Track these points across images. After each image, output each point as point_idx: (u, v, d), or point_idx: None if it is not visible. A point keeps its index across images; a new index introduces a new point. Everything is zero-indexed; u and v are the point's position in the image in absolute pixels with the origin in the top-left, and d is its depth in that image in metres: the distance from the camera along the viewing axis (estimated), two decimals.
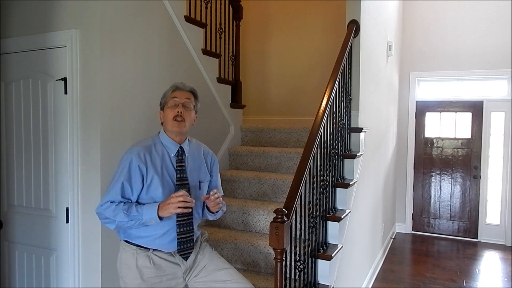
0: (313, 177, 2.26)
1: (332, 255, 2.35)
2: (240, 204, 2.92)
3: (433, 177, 5.46)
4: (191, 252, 1.85)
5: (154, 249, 1.78)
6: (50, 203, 2.32)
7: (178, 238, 1.80)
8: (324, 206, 2.47)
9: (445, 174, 5.39)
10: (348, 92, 2.89)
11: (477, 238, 5.23)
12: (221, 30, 3.50)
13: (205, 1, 3.27)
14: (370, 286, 3.69)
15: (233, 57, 3.71)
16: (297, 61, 4.65)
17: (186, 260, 1.84)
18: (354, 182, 2.83)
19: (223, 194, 2.13)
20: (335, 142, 2.63)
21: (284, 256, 1.77)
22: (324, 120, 2.37)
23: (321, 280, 2.36)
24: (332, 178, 2.59)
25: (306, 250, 2.21)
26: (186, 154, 1.87)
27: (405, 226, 5.57)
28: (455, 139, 5.33)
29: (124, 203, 1.72)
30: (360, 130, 2.93)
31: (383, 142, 4.24)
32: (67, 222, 2.24)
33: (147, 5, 2.49)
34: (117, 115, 2.25)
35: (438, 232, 5.44)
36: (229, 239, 2.68)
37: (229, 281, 1.86)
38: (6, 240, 2.51)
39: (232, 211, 2.91)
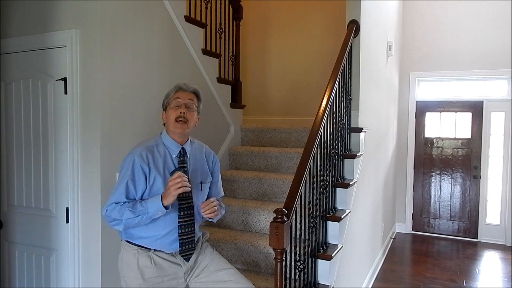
0: (313, 177, 2.26)
1: (332, 255, 2.35)
2: (240, 204, 2.92)
3: (433, 177, 5.46)
4: (192, 253, 1.85)
5: (155, 250, 1.78)
6: (50, 203, 2.32)
7: (180, 239, 1.79)
8: (324, 206, 2.47)
9: (445, 174, 5.39)
10: (348, 92, 2.89)
11: (477, 238, 5.24)
12: (221, 30, 3.50)
13: (205, 1, 3.27)
14: (370, 286, 3.69)
15: (233, 57, 3.71)
16: (297, 61, 4.65)
17: (187, 262, 1.84)
18: (354, 182, 2.83)
19: (223, 194, 2.13)
20: (335, 142, 2.63)
21: (284, 256, 1.77)
22: (324, 120, 2.37)
23: (321, 280, 2.36)
24: (332, 178, 2.59)
25: (306, 250, 2.21)
26: (188, 155, 1.87)
27: (405, 226, 5.57)
28: (455, 139, 5.33)
29: (129, 202, 1.72)
30: (360, 130, 2.93)
31: (383, 142, 4.24)
32: (67, 222, 2.24)
33: (147, 5, 2.49)
34: (117, 115, 2.25)
35: (438, 232, 5.44)
36: (229, 239, 2.68)
37: (230, 282, 1.86)
38: (6, 240, 2.51)
39: (232, 211, 2.91)
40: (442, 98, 5.38)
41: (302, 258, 2.16)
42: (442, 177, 5.41)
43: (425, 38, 5.34)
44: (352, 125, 2.94)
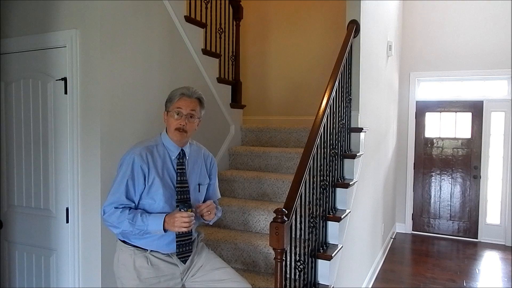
0: (313, 177, 2.26)
1: (332, 255, 2.35)
2: (240, 204, 2.92)
3: (433, 177, 5.46)
4: (189, 255, 1.85)
5: (151, 250, 1.78)
6: (50, 203, 2.32)
7: (177, 241, 1.80)
8: (324, 206, 2.47)
9: (445, 174, 5.39)
10: (348, 92, 2.89)
11: (477, 238, 5.23)
12: (221, 30, 3.50)
13: (205, 1, 3.27)
14: (370, 286, 3.69)
15: (233, 57, 3.71)
16: (297, 61, 4.65)
17: (184, 264, 1.84)
18: (354, 182, 2.83)
19: (220, 196, 2.13)
20: (335, 142, 2.63)
21: (284, 256, 1.77)
22: (324, 120, 2.37)
23: (321, 280, 2.36)
24: (332, 178, 2.59)
25: (306, 250, 2.21)
26: (187, 157, 1.87)
27: (405, 226, 5.57)
28: (455, 139, 5.33)
29: (129, 209, 1.71)
30: (360, 130, 2.93)
31: (383, 142, 4.24)
32: (67, 222, 2.24)
33: (147, 5, 2.49)
34: (117, 115, 2.25)
35: (438, 232, 5.44)
36: (229, 239, 2.68)
37: (226, 280, 1.86)
38: (6, 240, 2.51)
39: (232, 211, 2.91)
40: (442, 98, 5.38)
41: (302, 258, 2.16)
42: (442, 177, 5.40)
43: (425, 38, 5.34)
44: (352, 125, 2.94)
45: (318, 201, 2.36)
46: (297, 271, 2.12)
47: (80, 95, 2.17)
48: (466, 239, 5.26)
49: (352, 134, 2.94)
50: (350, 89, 2.93)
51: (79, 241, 2.22)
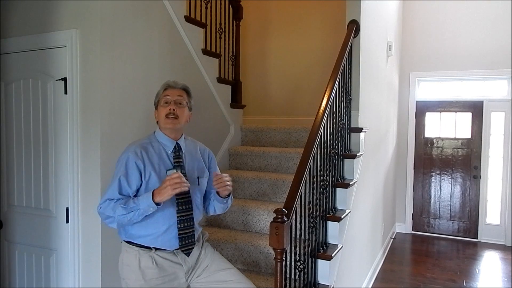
0: (313, 177, 2.26)
1: (332, 255, 2.35)
2: (240, 204, 2.92)
3: (433, 177, 5.46)
4: (192, 248, 1.85)
5: (156, 249, 1.78)
6: (50, 203, 2.32)
7: (179, 234, 1.79)
8: (324, 206, 2.47)
9: (445, 174, 5.39)
10: (348, 92, 2.89)
11: (477, 238, 5.24)
12: (221, 30, 3.50)
13: (205, 1, 3.27)
14: (370, 286, 3.69)
15: (233, 57, 3.71)
16: (297, 61, 4.65)
17: (188, 256, 1.83)
18: (354, 182, 2.83)
19: None
20: (335, 142, 2.63)
21: (284, 256, 1.77)
22: (324, 120, 2.37)
23: (321, 280, 2.37)
24: (332, 178, 2.59)
25: (306, 250, 2.21)
26: (183, 151, 1.88)
27: (405, 226, 5.57)
28: (455, 139, 5.33)
29: (123, 199, 1.72)
30: (360, 130, 2.93)
31: (383, 142, 4.24)
32: (67, 222, 2.24)
33: (147, 5, 2.49)
34: (117, 115, 2.25)
35: (438, 232, 5.44)
36: (229, 239, 2.68)
37: (231, 282, 1.86)
38: (6, 240, 2.51)
39: (232, 211, 2.91)
40: (442, 98, 5.38)
41: (302, 258, 2.16)
42: (442, 177, 5.41)
43: (425, 38, 5.34)
44: (352, 125, 2.94)
45: (318, 201, 2.36)
46: (297, 271, 2.12)
47: (80, 95, 2.17)
48: (466, 239, 5.26)
49: (352, 134, 2.94)
50: (350, 89, 2.93)
51: (79, 241, 2.22)
